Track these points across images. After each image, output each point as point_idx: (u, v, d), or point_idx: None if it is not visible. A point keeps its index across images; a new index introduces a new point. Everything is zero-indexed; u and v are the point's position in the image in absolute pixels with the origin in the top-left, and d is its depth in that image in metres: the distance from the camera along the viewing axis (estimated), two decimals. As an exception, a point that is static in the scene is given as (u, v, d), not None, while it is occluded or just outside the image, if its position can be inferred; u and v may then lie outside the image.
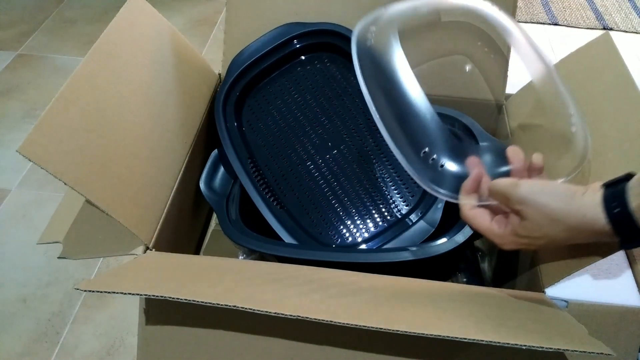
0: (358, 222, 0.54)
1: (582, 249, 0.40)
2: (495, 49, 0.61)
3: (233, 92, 0.61)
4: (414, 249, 0.47)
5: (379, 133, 0.57)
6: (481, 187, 0.42)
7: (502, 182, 0.38)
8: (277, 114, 0.61)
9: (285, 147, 0.59)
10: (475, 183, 0.42)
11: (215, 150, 0.61)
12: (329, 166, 0.57)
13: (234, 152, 0.56)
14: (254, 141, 0.60)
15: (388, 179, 0.56)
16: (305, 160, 0.58)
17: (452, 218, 0.51)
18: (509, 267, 0.54)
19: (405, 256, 0.46)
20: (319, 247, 0.52)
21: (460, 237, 0.47)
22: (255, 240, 0.49)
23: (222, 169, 0.60)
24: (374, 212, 0.54)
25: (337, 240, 0.53)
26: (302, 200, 0.56)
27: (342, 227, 0.54)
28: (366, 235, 0.53)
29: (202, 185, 0.58)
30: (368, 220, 0.54)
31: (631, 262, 0.44)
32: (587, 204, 0.34)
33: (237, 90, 0.61)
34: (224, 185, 0.59)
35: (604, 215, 0.33)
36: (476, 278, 0.58)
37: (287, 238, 0.51)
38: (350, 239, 0.53)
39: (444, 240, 0.47)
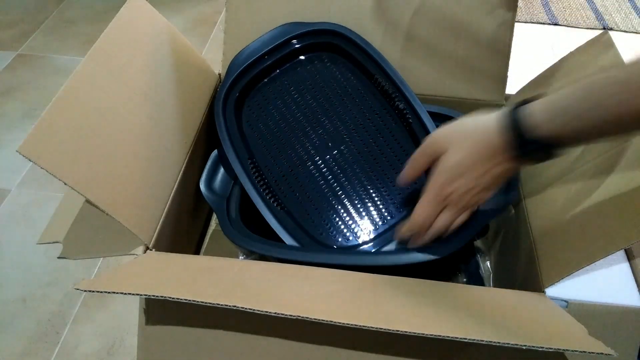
0: (359, 222, 0.54)
1: (581, 246, 0.40)
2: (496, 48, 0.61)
3: (233, 93, 0.61)
4: (415, 252, 0.46)
5: (379, 133, 0.58)
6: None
7: (426, 140, 0.43)
8: (277, 114, 0.61)
9: (285, 148, 0.59)
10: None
11: (215, 151, 0.61)
12: (329, 166, 0.57)
13: (234, 152, 0.56)
14: (254, 141, 0.60)
15: (388, 179, 0.56)
16: (306, 160, 0.58)
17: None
18: (509, 267, 0.54)
19: (407, 259, 0.46)
20: (320, 250, 0.52)
21: (462, 239, 0.47)
22: (256, 242, 0.49)
23: (222, 170, 0.60)
24: (374, 212, 0.54)
25: (338, 241, 0.53)
26: (302, 201, 0.56)
27: (343, 227, 0.54)
28: (367, 236, 0.53)
29: (202, 186, 0.57)
30: (369, 221, 0.54)
31: (631, 262, 0.44)
32: (492, 119, 0.39)
33: (237, 91, 0.61)
34: (224, 186, 0.59)
35: (506, 129, 0.37)
36: (476, 278, 0.58)
37: (287, 239, 0.51)
38: (351, 239, 0.53)
39: (446, 242, 0.47)
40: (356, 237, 0.53)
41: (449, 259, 0.46)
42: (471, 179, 0.40)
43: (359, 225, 0.54)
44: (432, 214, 0.43)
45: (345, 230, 0.54)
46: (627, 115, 0.33)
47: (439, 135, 0.42)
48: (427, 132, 0.55)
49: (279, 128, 0.60)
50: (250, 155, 0.58)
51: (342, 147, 0.58)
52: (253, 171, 0.57)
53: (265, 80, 0.63)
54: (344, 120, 0.59)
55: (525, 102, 0.38)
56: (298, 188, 0.56)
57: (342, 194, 0.55)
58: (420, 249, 0.46)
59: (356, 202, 0.55)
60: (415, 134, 0.56)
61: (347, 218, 0.54)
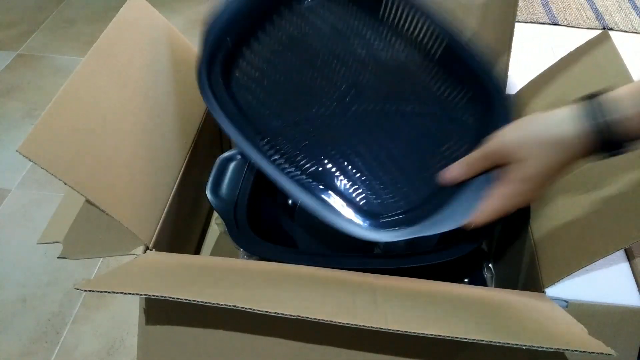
0: (395, 186, 0.49)
1: (581, 247, 0.40)
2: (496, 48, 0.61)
3: (215, 64, 0.51)
4: (430, 253, 0.46)
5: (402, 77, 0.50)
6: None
7: (490, 143, 0.40)
8: (277, 71, 0.52)
9: (297, 110, 0.52)
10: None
11: (220, 157, 0.56)
12: (353, 122, 0.50)
13: (239, 133, 0.49)
14: (257, 113, 0.51)
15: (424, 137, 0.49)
16: (326, 115, 0.50)
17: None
18: (509, 267, 0.54)
19: (429, 260, 0.45)
20: (336, 255, 0.50)
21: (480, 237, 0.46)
22: (267, 249, 0.48)
23: (228, 175, 0.56)
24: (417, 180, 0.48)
25: (379, 207, 0.48)
26: (325, 169, 0.50)
27: (381, 193, 0.49)
28: (404, 204, 0.48)
29: (208, 193, 0.54)
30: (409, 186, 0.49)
31: (631, 262, 0.44)
32: (571, 123, 0.36)
33: (220, 60, 0.52)
34: (231, 191, 0.55)
35: (588, 126, 0.35)
36: (477, 278, 0.58)
37: (325, 214, 0.46)
38: (391, 207, 0.48)
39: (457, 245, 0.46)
40: (397, 204, 0.48)
41: (461, 262, 0.46)
42: (546, 186, 0.39)
43: (393, 191, 0.49)
44: (492, 220, 0.41)
45: (384, 195, 0.49)
46: None
47: (510, 141, 0.39)
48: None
49: (285, 86, 0.52)
50: (258, 130, 0.51)
51: (362, 100, 0.51)
52: (267, 148, 0.50)
53: (255, 36, 0.54)
54: (361, 62, 0.51)
55: (600, 99, 0.35)
56: (321, 153, 0.50)
57: (380, 152, 0.50)
58: (434, 250, 0.46)
59: (395, 161, 0.50)
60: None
61: (380, 182, 0.49)
